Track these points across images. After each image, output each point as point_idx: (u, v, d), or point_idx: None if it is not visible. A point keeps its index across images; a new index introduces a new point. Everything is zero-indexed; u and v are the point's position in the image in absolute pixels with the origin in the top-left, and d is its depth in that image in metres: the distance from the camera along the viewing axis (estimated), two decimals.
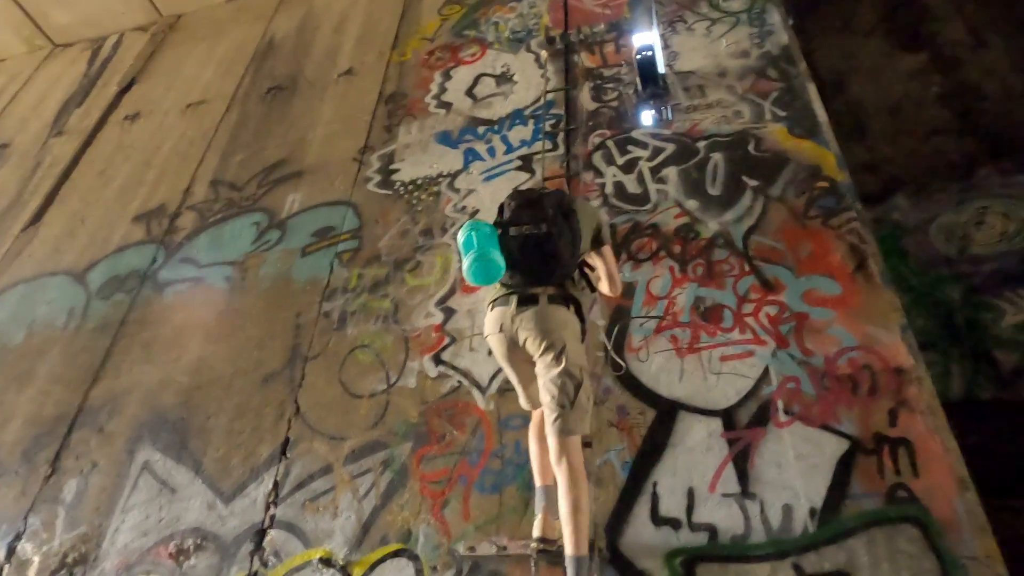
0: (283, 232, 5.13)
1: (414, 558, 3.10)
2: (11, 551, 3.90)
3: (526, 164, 4.71)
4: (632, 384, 3.35)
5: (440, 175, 4.94)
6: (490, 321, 2.73)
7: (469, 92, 5.54)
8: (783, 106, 4.31)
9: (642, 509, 2.92)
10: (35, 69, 8.96)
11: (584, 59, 5.33)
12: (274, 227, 5.20)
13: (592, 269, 2.98)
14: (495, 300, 2.74)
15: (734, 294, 3.53)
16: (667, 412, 3.19)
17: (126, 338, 4.89)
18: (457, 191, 4.76)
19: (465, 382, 3.68)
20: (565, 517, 2.48)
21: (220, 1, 8.66)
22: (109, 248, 5.73)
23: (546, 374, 2.60)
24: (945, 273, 5.02)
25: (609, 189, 4.30)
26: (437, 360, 3.85)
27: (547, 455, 2.66)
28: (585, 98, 5.00)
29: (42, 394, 4.76)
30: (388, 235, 4.69)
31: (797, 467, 2.85)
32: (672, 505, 2.90)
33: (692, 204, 4.02)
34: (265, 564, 3.35)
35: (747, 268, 3.61)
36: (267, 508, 3.56)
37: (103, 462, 4.15)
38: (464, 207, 4.63)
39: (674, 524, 2.84)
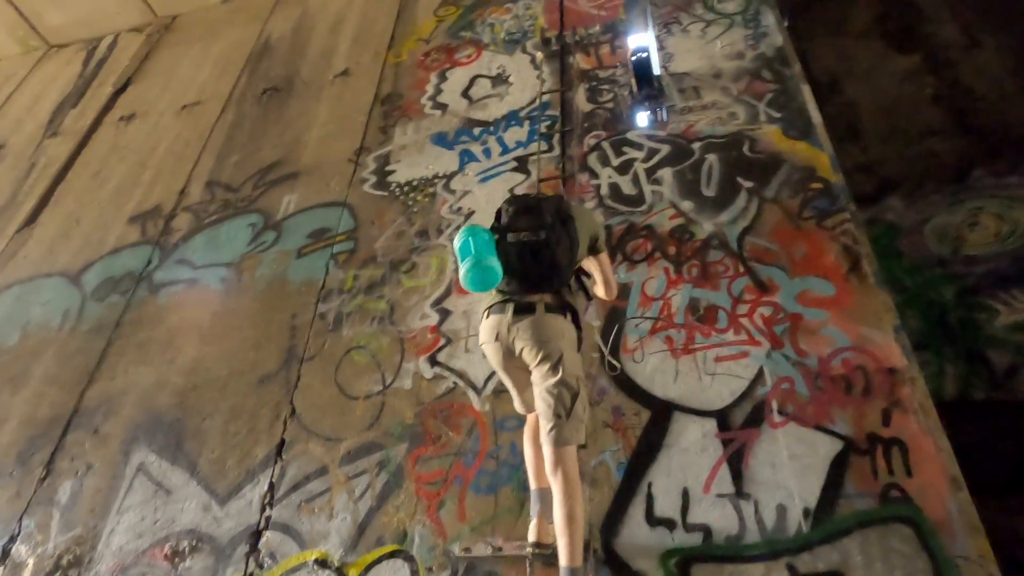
0: (279, 233, 5.13)
1: (410, 559, 3.11)
2: (6, 553, 3.89)
3: (522, 165, 4.71)
4: (627, 385, 3.35)
5: (436, 176, 4.94)
6: (486, 329, 2.69)
7: (465, 93, 5.54)
8: (777, 107, 4.33)
9: (637, 510, 2.92)
10: (30, 70, 8.94)
11: (579, 61, 5.34)
12: (270, 228, 5.20)
13: (588, 276, 2.97)
14: (490, 307, 2.69)
15: (729, 295, 3.54)
16: (662, 413, 3.20)
17: (121, 339, 4.88)
18: (453, 192, 4.77)
19: (461, 383, 3.69)
20: (560, 528, 2.46)
21: (216, 2, 8.65)
22: (104, 249, 5.72)
23: (542, 383, 2.57)
24: (939, 274, 5.04)
25: (604, 190, 4.31)
26: (433, 361, 3.85)
27: (542, 459, 2.64)
28: (580, 100, 5.01)
29: (37, 396, 4.75)
30: (384, 236, 4.70)
31: (791, 467, 2.86)
32: (667, 505, 2.90)
33: (687, 205, 4.03)
34: (261, 566, 3.35)
35: (742, 269, 3.62)
36: (263, 509, 3.56)
37: (98, 464, 4.14)
38: (460, 208, 4.64)
39: (669, 524, 2.85)
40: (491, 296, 2.72)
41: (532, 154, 4.72)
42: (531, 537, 2.74)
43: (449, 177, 4.89)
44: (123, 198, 6.18)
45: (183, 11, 8.75)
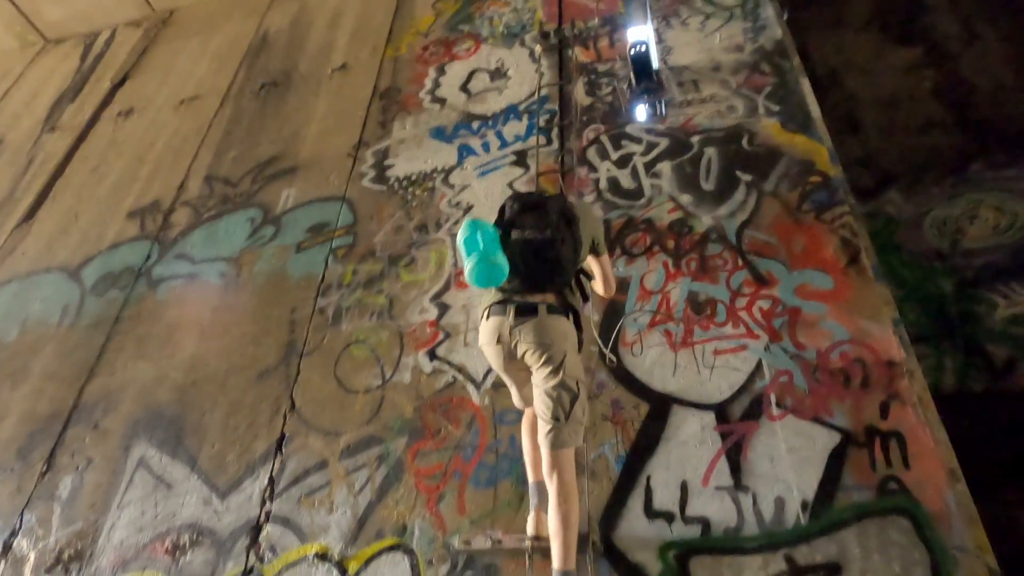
0: (278, 228, 5.12)
1: (409, 552, 3.11)
2: (7, 548, 3.90)
3: (520, 159, 4.71)
4: (626, 378, 3.36)
5: (434, 170, 4.94)
6: (486, 331, 2.63)
7: (463, 87, 5.53)
8: (777, 101, 4.32)
9: (636, 502, 2.93)
10: (27, 65, 8.91)
11: (578, 54, 5.33)
12: (268, 223, 5.20)
13: (589, 277, 2.96)
14: (490, 308, 2.62)
15: (727, 288, 3.54)
16: (661, 406, 3.21)
17: (120, 335, 4.88)
18: (452, 186, 4.76)
19: (460, 377, 3.69)
20: (554, 531, 2.45)
21: None
22: (103, 245, 5.71)
23: (543, 384, 2.54)
24: (938, 266, 5.04)
25: (603, 184, 4.31)
26: (432, 355, 3.86)
27: (539, 452, 2.63)
28: (579, 93, 5.00)
29: (36, 391, 4.75)
30: (383, 231, 4.69)
31: (789, 460, 2.87)
32: (665, 498, 2.91)
33: (686, 199, 4.02)
34: (261, 559, 3.36)
35: (740, 263, 3.62)
36: (263, 503, 3.56)
37: (98, 459, 4.14)
38: (459, 202, 4.63)
39: (667, 517, 2.85)
40: (490, 295, 2.65)
41: (531, 148, 4.71)
42: (529, 530, 2.74)
43: (448, 171, 4.88)
44: (121, 193, 6.17)
45: (180, 5, 8.73)
